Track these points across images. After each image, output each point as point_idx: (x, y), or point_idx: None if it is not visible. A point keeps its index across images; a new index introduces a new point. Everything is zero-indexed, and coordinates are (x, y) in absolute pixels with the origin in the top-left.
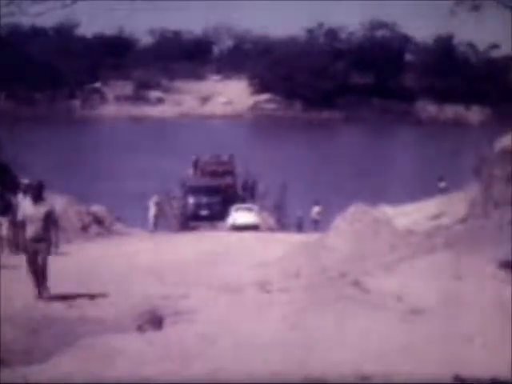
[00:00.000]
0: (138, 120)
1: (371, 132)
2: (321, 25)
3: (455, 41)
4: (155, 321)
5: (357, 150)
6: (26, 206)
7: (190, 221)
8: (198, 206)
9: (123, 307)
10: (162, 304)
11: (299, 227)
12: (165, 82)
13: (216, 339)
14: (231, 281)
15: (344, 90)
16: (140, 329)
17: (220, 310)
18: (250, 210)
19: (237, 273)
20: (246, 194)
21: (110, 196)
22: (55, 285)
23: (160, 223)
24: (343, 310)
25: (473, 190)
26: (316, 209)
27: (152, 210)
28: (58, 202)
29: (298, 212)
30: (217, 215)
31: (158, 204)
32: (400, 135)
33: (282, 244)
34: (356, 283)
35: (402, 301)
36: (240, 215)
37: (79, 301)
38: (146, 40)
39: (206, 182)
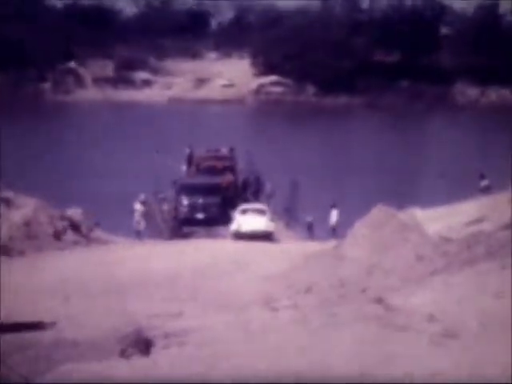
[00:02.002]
0: (120, 106)
1: (398, 121)
2: None
3: (500, 9)
4: (141, 344)
5: (380, 142)
6: None
7: (183, 226)
8: (193, 208)
9: (103, 328)
10: (149, 324)
11: (310, 233)
12: (152, 61)
13: (213, 366)
14: (231, 297)
15: (365, 71)
16: (123, 354)
17: (218, 332)
18: (260, 212)
19: (238, 287)
20: (250, 194)
21: (88, 197)
22: (23, 301)
23: (148, 229)
24: (363, 333)
25: None
26: (334, 213)
27: (137, 214)
28: (26, 204)
29: (307, 217)
30: (215, 219)
31: (144, 205)
32: (433, 124)
33: (291, 253)
34: (379, 300)
35: (433, 321)
36: (247, 220)
37: (52, 321)
38: (129, 11)
39: (203, 179)
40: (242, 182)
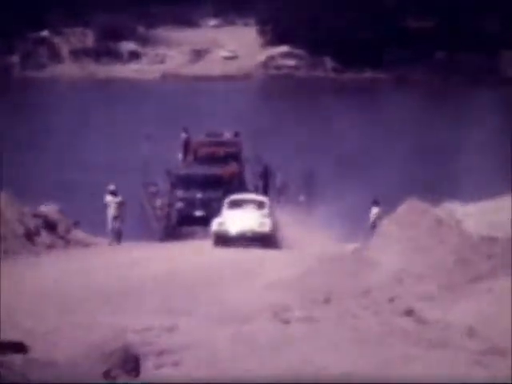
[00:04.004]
0: (103, 83)
1: (433, 99)
2: None
3: None
4: (129, 364)
5: (411, 124)
6: None
7: (178, 225)
8: (191, 203)
9: (84, 345)
10: (138, 340)
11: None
12: (141, 29)
13: None
14: (234, 307)
15: (394, 40)
16: (108, 375)
17: (219, 348)
18: (257, 205)
19: (242, 296)
20: (258, 186)
21: (66, 191)
22: None
23: (126, 228)
24: (391, 350)
25: None
26: (375, 210)
27: (112, 207)
28: None
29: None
30: (216, 217)
31: (116, 196)
32: (476, 102)
33: (305, 255)
34: (409, 312)
35: (475, 336)
36: (236, 216)
37: (25, 337)
38: None
39: (202, 169)
40: (252, 173)
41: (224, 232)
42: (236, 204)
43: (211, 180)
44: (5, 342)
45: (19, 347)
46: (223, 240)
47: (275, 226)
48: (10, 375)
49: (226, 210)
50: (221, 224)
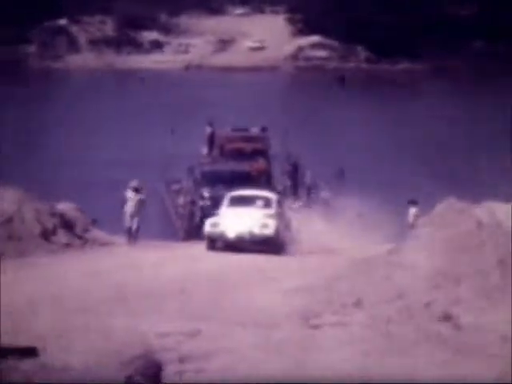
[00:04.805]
0: (124, 75)
1: (472, 91)
2: None
3: None
4: (151, 370)
5: (450, 118)
6: None
7: (202, 224)
8: (216, 201)
9: (103, 351)
10: (160, 345)
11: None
12: (164, 17)
13: None
14: (260, 312)
15: (431, 29)
16: (129, 382)
17: (245, 355)
18: (261, 202)
19: (268, 300)
20: (286, 184)
21: (84, 188)
22: (1, 318)
23: (146, 227)
24: (427, 357)
25: None
26: (413, 210)
27: (130, 205)
28: (7, 197)
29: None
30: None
31: (139, 193)
32: None
33: (333, 258)
34: (446, 317)
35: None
36: (235, 215)
37: (38, 340)
38: None
39: (229, 166)
40: (281, 170)
41: (218, 234)
42: (237, 201)
43: (238, 177)
44: (15, 347)
45: (30, 351)
46: (217, 244)
47: (285, 228)
48: (15, 379)
49: (225, 207)
50: (215, 225)
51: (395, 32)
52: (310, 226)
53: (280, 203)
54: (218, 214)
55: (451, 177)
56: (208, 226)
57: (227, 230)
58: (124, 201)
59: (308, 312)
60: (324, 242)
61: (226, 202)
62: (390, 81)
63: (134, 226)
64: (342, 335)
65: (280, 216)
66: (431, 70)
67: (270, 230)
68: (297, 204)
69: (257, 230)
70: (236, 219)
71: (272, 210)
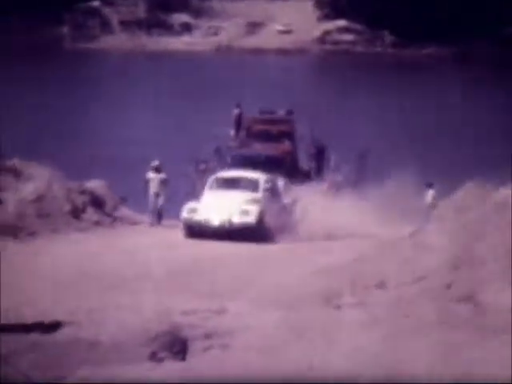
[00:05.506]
0: (155, 56)
1: (501, 77)
2: None
3: None
4: (176, 346)
5: (476, 103)
6: None
7: None
8: None
9: (130, 326)
10: (185, 322)
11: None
12: (194, 0)
13: (262, 374)
14: (283, 291)
15: (458, 13)
16: (154, 357)
17: (269, 333)
18: (247, 185)
19: (291, 280)
20: (311, 167)
21: (114, 167)
22: (33, 293)
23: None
24: (448, 338)
25: None
26: (430, 192)
27: (153, 185)
28: (38, 175)
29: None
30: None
31: (159, 172)
32: None
33: (356, 240)
34: (468, 298)
35: None
36: (215, 200)
37: (69, 315)
38: None
39: (257, 148)
40: (306, 152)
41: (196, 222)
42: (222, 183)
43: (268, 160)
44: (41, 323)
45: (54, 326)
46: (195, 232)
47: (279, 213)
48: (13, 375)
49: (207, 191)
50: (192, 210)
51: (422, 16)
52: (331, 210)
53: (272, 184)
54: (197, 199)
55: (476, 159)
56: (185, 212)
57: (203, 218)
58: (146, 181)
59: (331, 293)
60: (347, 226)
61: (208, 184)
62: (416, 66)
63: (159, 206)
64: (364, 315)
65: (270, 199)
66: (457, 54)
67: (250, 218)
68: (321, 187)
69: (235, 218)
70: (214, 205)
71: (259, 194)
